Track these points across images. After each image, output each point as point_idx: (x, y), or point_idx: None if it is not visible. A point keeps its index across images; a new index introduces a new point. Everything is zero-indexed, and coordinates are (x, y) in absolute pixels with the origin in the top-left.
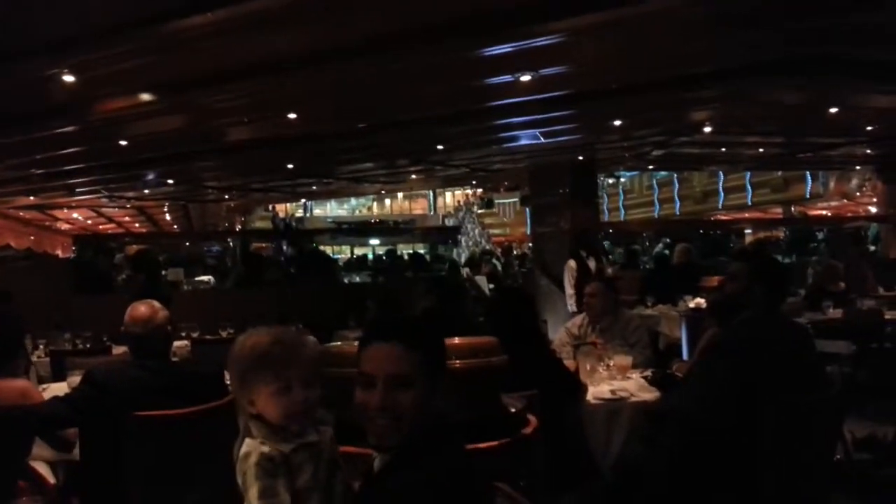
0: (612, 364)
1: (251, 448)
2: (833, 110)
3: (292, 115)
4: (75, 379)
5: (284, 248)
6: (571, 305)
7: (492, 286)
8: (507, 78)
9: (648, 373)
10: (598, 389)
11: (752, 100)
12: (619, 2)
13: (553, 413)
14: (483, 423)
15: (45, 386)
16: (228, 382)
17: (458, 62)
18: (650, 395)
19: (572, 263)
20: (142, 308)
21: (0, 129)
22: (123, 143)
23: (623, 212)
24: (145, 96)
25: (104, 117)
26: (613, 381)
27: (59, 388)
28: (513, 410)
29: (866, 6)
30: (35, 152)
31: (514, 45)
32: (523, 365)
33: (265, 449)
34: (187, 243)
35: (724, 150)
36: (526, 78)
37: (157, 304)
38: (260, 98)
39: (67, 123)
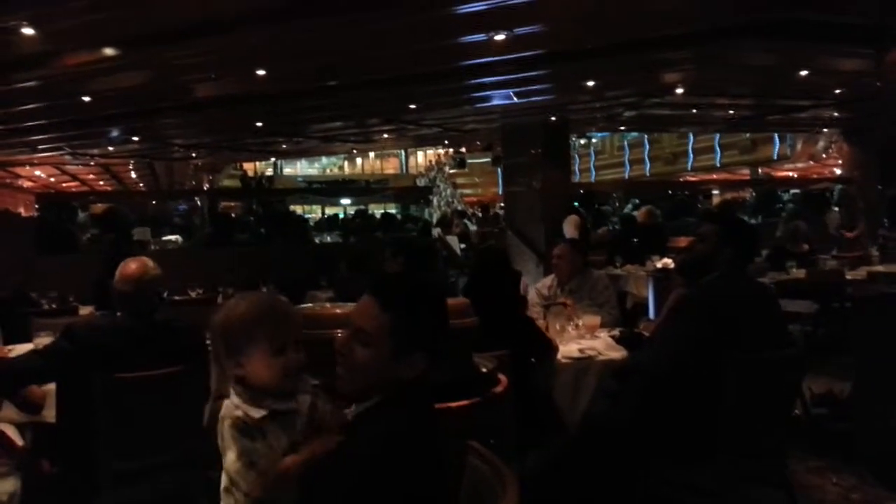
0: (580, 324)
1: (226, 411)
2: (803, 73)
3: (261, 72)
4: (42, 340)
5: (254, 207)
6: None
7: (463, 246)
8: (481, 37)
9: (616, 332)
10: (567, 348)
11: (723, 62)
12: None
13: (523, 372)
14: (455, 382)
15: (10, 347)
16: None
17: (431, 20)
18: (618, 353)
19: (575, 217)
20: (133, 265)
21: None
22: (87, 98)
23: (594, 172)
24: (109, 51)
25: (66, 72)
26: (582, 341)
27: (24, 349)
28: (484, 370)
29: None
30: None
31: (487, 3)
32: (497, 325)
33: (238, 413)
34: (154, 202)
35: (694, 111)
36: (500, 37)
37: (149, 261)
38: (228, 54)
39: (28, 78)
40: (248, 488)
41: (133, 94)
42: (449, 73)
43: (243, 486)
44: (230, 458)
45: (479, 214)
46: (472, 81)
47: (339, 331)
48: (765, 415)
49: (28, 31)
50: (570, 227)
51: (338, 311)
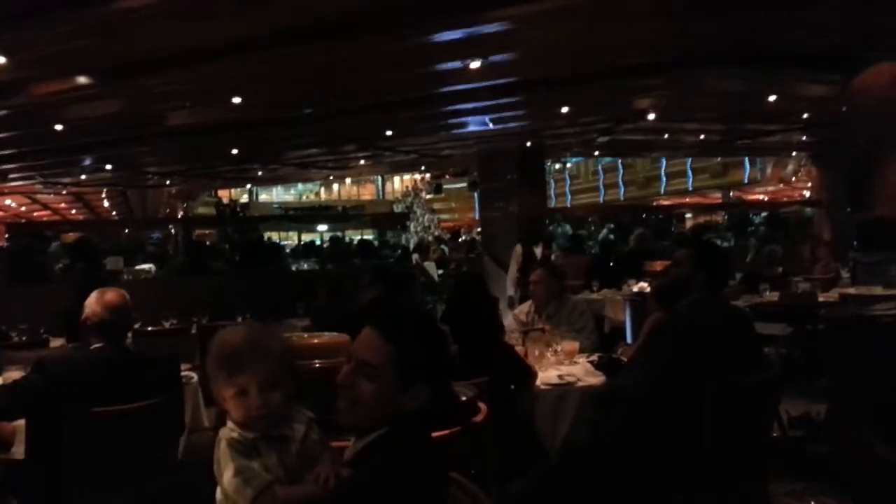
0: (559, 349)
1: (222, 435)
2: (771, 98)
3: (236, 100)
4: (12, 374)
5: (229, 233)
6: (510, 288)
7: (440, 272)
8: (457, 64)
9: (595, 357)
10: (546, 375)
11: (693, 88)
12: None
13: (503, 399)
14: (434, 411)
15: None
16: (184, 372)
17: (407, 48)
18: (596, 379)
19: (518, 249)
20: (106, 294)
21: None
22: (59, 127)
23: (569, 197)
24: (82, 79)
25: (39, 100)
26: (561, 367)
27: None
28: (464, 398)
29: (800, 3)
30: None
31: (463, 31)
32: (476, 351)
33: (234, 434)
34: (127, 230)
35: (666, 136)
36: (475, 64)
37: (121, 290)
38: (203, 83)
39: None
40: None
41: (106, 122)
42: (424, 100)
43: (242, 503)
44: (227, 476)
45: (449, 241)
46: (448, 108)
47: (316, 361)
48: (744, 438)
49: (0, 59)
50: (513, 262)
51: (315, 341)
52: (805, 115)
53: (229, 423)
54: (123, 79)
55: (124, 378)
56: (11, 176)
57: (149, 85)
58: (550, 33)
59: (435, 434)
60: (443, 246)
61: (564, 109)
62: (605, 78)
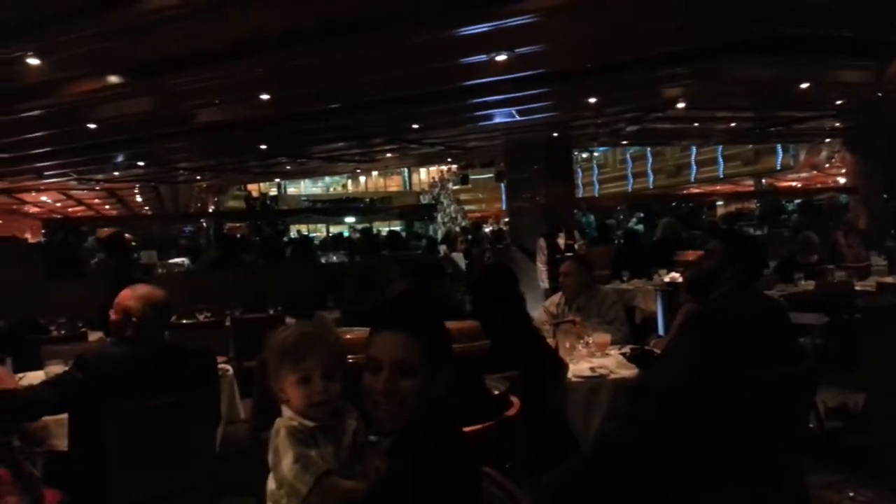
0: (591, 341)
1: (280, 424)
2: (804, 85)
3: (265, 96)
4: (53, 369)
5: (259, 226)
6: (544, 281)
7: (467, 262)
8: (483, 58)
9: (627, 349)
10: (578, 367)
11: (724, 76)
12: None
13: (535, 392)
14: (467, 406)
15: (21, 375)
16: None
17: (434, 43)
18: (629, 371)
19: (541, 242)
20: (141, 290)
21: None
22: (92, 126)
23: (597, 186)
24: (113, 79)
25: (72, 100)
26: (593, 359)
27: (35, 377)
28: (496, 393)
29: None
30: (0, 136)
31: (489, 25)
32: (507, 345)
33: (293, 423)
34: (159, 225)
35: (696, 125)
36: (502, 57)
37: (156, 287)
38: (232, 80)
39: (34, 107)
40: (305, 490)
41: (138, 120)
42: (451, 93)
43: (302, 489)
44: (287, 462)
45: (469, 236)
46: (475, 101)
47: (350, 357)
48: (779, 431)
49: (34, 61)
50: (539, 256)
51: (347, 336)
52: (839, 102)
53: (287, 413)
54: (153, 77)
55: (162, 372)
56: (47, 173)
57: (178, 83)
58: (577, 24)
59: (468, 429)
60: (469, 236)
61: (592, 100)
62: (633, 68)
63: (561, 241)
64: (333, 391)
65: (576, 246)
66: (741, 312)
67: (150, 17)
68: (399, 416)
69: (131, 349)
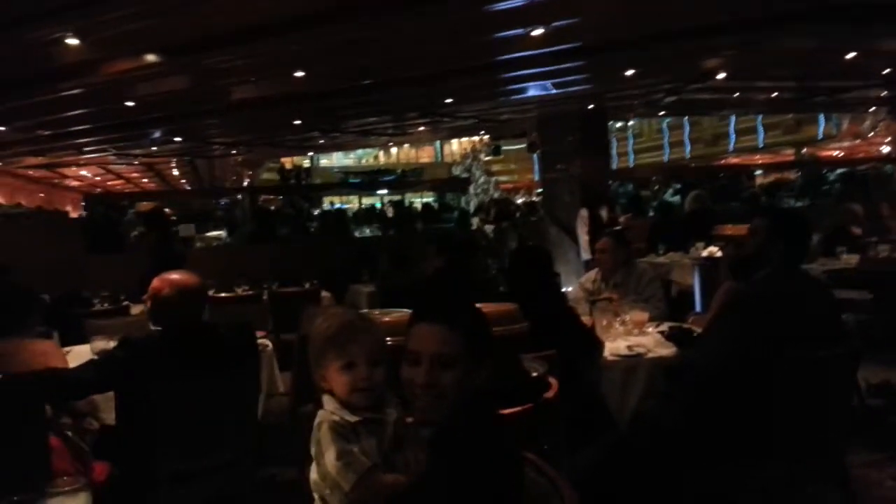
0: (628, 319)
1: (322, 418)
2: (850, 55)
3: (300, 74)
4: (98, 344)
5: (294, 201)
6: (585, 253)
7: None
8: (519, 32)
9: (665, 327)
10: (615, 345)
11: (766, 47)
12: None
13: (571, 371)
14: (506, 389)
15: (67, 349)
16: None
17: (469, 18)
18: (667, 350)
19: (584, 213)
20: (173, 277)
21: (6, 92)
22: (130, 103)
23: (632, 156)
24: (151, 58)
25: (110, 79)
26: (630, 337)
27: (81, 351)
28: (534, 374)
29: None
30: (42, 114)
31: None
32: (542, 324)
33: (335, 417)
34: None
35: (736, 95)
36: (538, 32)
37: (189, 273)
38: (267, 58)
39: (74, 86)
40: (348, 487)
41: (175, 98)
42: (486, 68)
43: (345, 486)
44: (329, 458)
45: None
46: (509, 75)
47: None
48: (822, 411)
49: (73, 41)
50: (581, 227)
51: (386, 319)
52: (886, 71)
53: (329, 406)
54: (189, 56)
55: (204, 350)
56: (86, 149)
57: (214, 62)
58: None
59: (506, 411)
60: (494, 210)
61: (630, 72)
62: (671, 40)
63: (604, 213)
64: (377, 378)
65: (620, 219)
66: (785, 293)
67: None
68: (439, 408)
69: (172, 330)
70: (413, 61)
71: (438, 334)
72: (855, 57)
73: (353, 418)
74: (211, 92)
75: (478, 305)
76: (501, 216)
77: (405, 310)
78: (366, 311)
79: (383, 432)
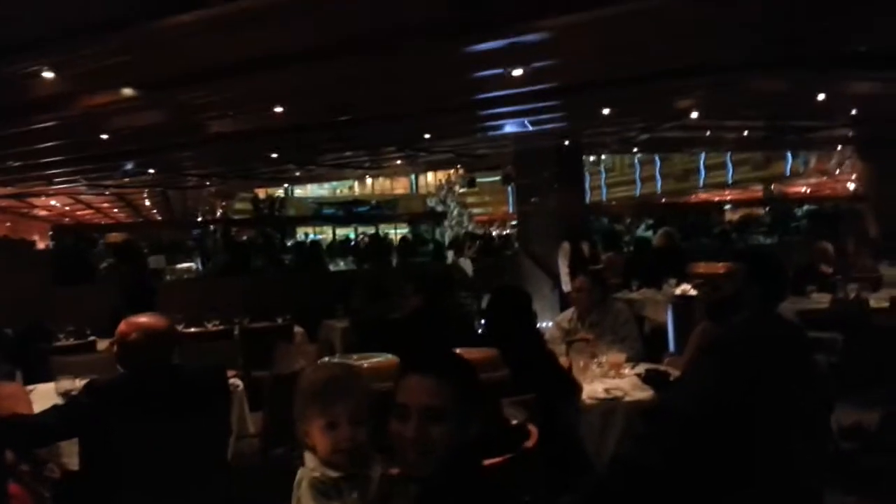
0: (604, 361)
1: (302, 475)
2: (820, 97)
3: (278, 109)
4: (64, 384)
5: (269, 233)
6: (566, 285)
7: (475, 269)
8: (498, 71)
9: (641, 369)
10: (592, 388)
11: (739, 89)
12: (608, 1)
13: (550, 414)
14: (486, 438)
15: (31, 387)
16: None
17: (449, 58)
18: (644, 393)
19: (566, 245)
20: (141, 321)
21: None
22: (104, 136)
23: (605, 190)
24: (127, 92)
25: (85, 112)
26: (606, 379)
27: (45, 390)
28: (514, 422)
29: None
30: (13, 145)
31: (503, 41)
32: (522, 368)
33: (316, 474)
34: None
35: (708, 133)
36: (517, 72)
37: (157, 316)
38: (245, 93)
39: (48, 118)
40: None
41: (150, 131)
42: (464, 106)
43: None
44: None
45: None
46: (488, 112)
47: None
48: (799, 454)
49: (49, 74)
50: (562, 259)
51: (365, 364)
52: (853, 112)
53: (310, 464)
54: (167, 91)
55: (173, 392)
56: (57, 179)
57: (191, 97)
58: (591, 40)
59: (489, 462)
60: (479, 242)
61: (605, 111)
62: (646, 81)
63: (585, 248)
64: (360, 438)
65: (603, 257)
66: (762, 337)
67: (166, 34)
68: (428, 462)
69: (142, 373)
70: (392, 98)
71: (428, 387)
72: (824, 98)
73: (334, 474)
74: (187, 126)
75: (459, 351)
76: (485, 251)
77: (384, 354)
78: (347, 359)
79: (367, 488)
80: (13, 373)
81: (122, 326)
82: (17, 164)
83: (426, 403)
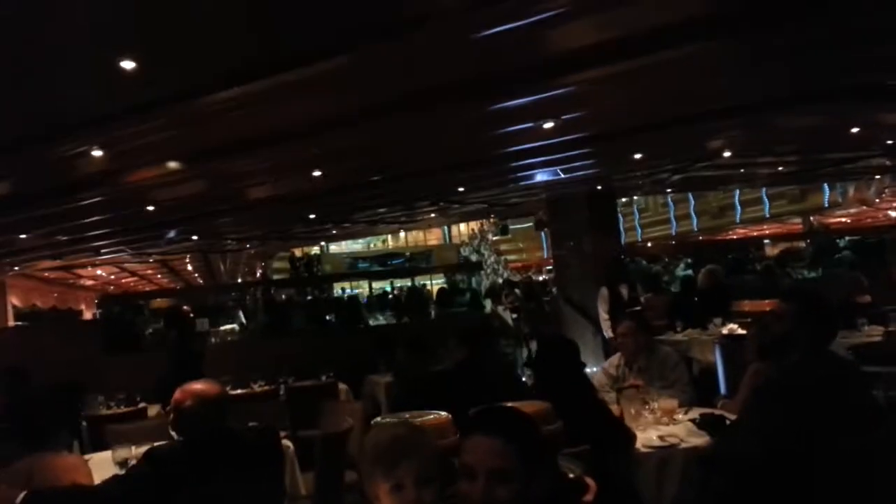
0: (657, 407)
1: None
2: (854, 130)
3: (317, 173)
4: (121, 452)
5: (307, 292)
6: (607, 332)
7: (514, 317)
8: (529, 125)
9: (695, 414)
10: (646, 436)
11: (771, 126)
12: (636, 53)
13: (605, 466)
14: (548, 495)
15: (88, 456)
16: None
17: (482, 115)
18: (700, 439)
19: (604, 291)
20: (196, 387)
21: (29, 203)
22: (150, 208)
23: (640, 230)
24: (172, 165)
25: (132, 186)
26: (660, 426)
27: (102, 459)
28: (571, 476)
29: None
30: (62, 221)
31: (533, 97)
32: (575, 419)
33: None
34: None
35: (742, 170)
36: (549, 125)
37: (210, 382)
38: (284, 160)
39: (95, 194)
40: None
41: (193, 200)
42: (496, 159)
43: None
44: None
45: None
46: (520, 163)
47: None
48: (865, 499)
49: (97, 152)
50: (601, 304)
51: (418, 421)
52: (890, 141)
53: None
54: (210, 162)
55: (228, 456)
56: (103, 250)
57: (233, 166)
58: (621, 90)
59: None
60: (516, 290)
61: (637, 156)
62: (678, 124)
63: (624, 291)
64: (428, 498)
65: (642, 298)
66: (819, 379)
67: (208, 109)
68: None
69: (197, 441)
70: (427, 155)
71: (494, 448)
72: (859, 131)
73: None
74: (229, 193)
75: (512, 405)
76: (526, 296)
77: (436, 412)
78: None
79: None
80: (72, 443)
81: (177, 394)
82: (65, 238)
83: (493, 465)
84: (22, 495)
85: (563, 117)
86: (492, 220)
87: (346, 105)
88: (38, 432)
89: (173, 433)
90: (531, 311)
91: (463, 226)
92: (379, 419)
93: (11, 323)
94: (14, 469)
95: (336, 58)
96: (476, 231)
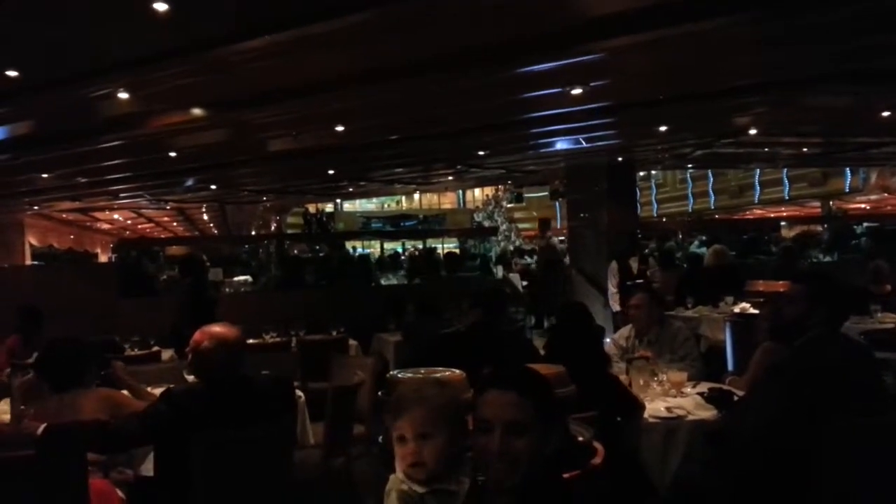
0: (665, 379)
1: (392, 485)
2: (885, 114)
3: (340, 128)
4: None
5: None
6: (614, 305)
7: (524, 283)
8: (555, 90)
9: (704, 388)
10: (654, 406)
11: (799, 105)
12: (664, 22)
13: (610, 432)
14: (560, 454)
15: None
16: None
17: (506, 78)
18: (707, 413)
19: (614, 265)
20: (215, 330)
21: (52, 143)
22: (172, 154)
23: (656, 206)
24: (197, 111)
25: (155, 132)
26: (668, 398)
27: None
28: (580, 439)
29: None
30: (83, 163)
31: (561, 62)
32: (586, 385)
33: (403, 487)
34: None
35: (765, 149)
36: (576, 91)
37: (229, 326)
38: (308, 113)
39: (118, 137)
40: None
41: (214, 149)
42: (518, 124)
43: None
44: None
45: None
46: (541, 129)
47: None
48: (869, 480)
49: (123, 95)
50: (611, 278)
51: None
52: None
53: (399, 474)
54: (235, 111)
55: (244, 401)
56: (122, 195)
57: (257, 117)
58: (648, 60)
59: (566, 476)
60: (526, 257)
61: (662, 128)
62: (704, 98)
63: (634, 265)
64: (426, 453)
65: (649, 272)
66: (828, 359)
67: (235, 57)
68: (513, 474)
69: (214, 384)
70: (449, 117)
71: (510, 402)
72: (889, 115)
73: (421, 489)
74: (250, 143)
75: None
76: (549, 265)
77: (450, 369)
78: (416, 373)
79: (454, 502)
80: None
81: (196, 335)
82: (85, 180)
83: (509, 418)
84: (42, 426)
85: (591, 84)
86: (507, 187)
87: (372, 61)
88: (67, 379)
89: (189, 376)
90: (549, 279)
91: (477, 191)
92: (395, 372)
93: (28, 262)
94: (44, 407)
95: (365, 12)
96: (490, 197)
